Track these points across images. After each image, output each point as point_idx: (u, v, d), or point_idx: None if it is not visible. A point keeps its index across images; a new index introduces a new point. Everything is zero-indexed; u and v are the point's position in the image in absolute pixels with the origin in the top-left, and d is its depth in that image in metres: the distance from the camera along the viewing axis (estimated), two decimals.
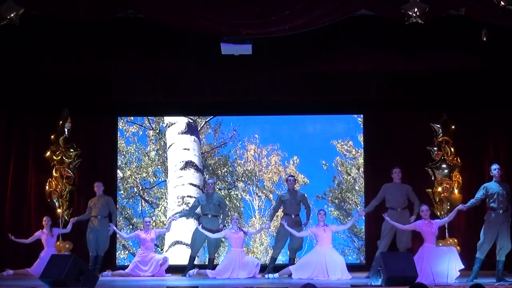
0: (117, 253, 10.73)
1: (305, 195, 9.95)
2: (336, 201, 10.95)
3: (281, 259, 10.09)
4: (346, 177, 10.97)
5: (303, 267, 9.00)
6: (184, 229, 10.60)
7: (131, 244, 10.74)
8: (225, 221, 9.96)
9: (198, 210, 10.02)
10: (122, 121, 11.10)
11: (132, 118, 11.15)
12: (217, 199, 9.90)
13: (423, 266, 8.07)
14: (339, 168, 10.98)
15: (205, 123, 11.14)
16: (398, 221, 8.95)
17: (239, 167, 11.02)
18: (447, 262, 8.03)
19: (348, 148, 11.00)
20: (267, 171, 11.03)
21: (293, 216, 9.60)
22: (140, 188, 11.05)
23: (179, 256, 10.42)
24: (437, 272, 7.94)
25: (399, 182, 9.39)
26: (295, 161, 10.99)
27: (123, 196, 10.99)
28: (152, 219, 10.58)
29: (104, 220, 9.99)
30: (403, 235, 9.13)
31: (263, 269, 9.67)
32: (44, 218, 10.03)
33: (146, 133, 11.10)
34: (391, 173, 9.46)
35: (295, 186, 9.89)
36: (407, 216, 9.21)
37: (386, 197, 9.34)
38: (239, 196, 10.97)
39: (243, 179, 11.01)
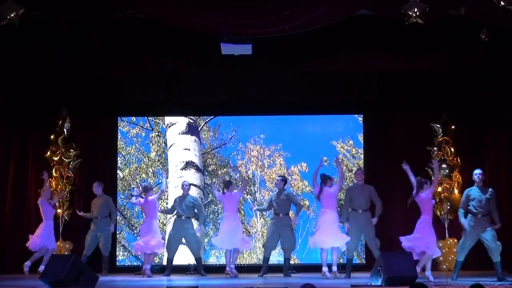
0: (117, 253, 10.72)
1: (291, 193, 9.88)
2: None
3: (279, 259, 10.13)
4: (346, 175, 10.92)
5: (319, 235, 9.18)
6: None
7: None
8: (203, 223, 9.93)
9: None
10: (123, 121, 11.08)
11: (134, 119, 11.14)
12: (190, 201, 9.85)
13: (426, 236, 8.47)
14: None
15: (204, 123, 11.11)
16: (359, 222, 9.09)
17: (241, 168, 10.99)
18: None
19: (348, 148, 10.98)
20: (269, 171, 11.00)
21: (281, 215, 9.58)
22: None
23: (179, 256, 10.37)
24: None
25: (362, 184, 9.36)
26: (303, 167, 10.98)
27: (122, 196, 10.97)
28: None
29: (104, 220, 10.00)
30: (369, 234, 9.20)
31: (258, 269, 9.65)
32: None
33: (149, 136, 11.07)
34: (354, 175, 9.62)
35: (283, 186, 9.80)
36: (368, 217, 9.16)
37: (351, 199, 9.30)
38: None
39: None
